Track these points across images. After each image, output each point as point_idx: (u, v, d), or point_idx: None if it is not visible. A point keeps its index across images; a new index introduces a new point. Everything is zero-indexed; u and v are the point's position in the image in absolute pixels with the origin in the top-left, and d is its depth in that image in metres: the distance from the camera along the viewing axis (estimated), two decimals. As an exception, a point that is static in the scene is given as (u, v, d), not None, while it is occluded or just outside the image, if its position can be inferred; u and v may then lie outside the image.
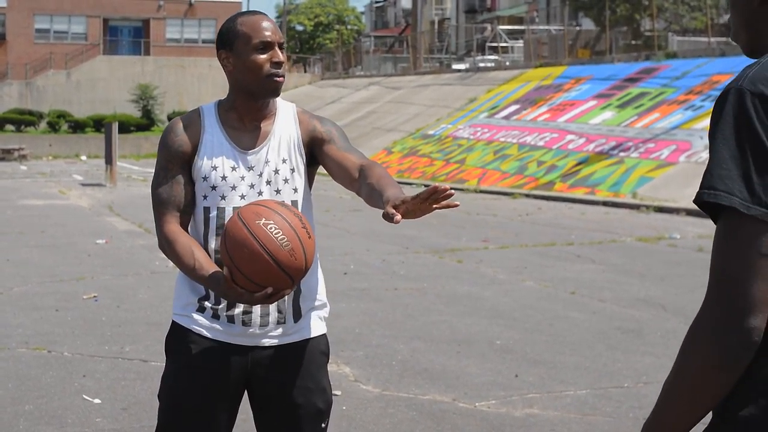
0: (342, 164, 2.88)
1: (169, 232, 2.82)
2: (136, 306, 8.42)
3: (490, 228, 14.62)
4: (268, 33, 2.81)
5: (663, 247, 12.54)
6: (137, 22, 55.67)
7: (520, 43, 41.53)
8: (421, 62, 44.95)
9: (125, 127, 42.40)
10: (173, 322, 2.95)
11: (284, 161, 2.89)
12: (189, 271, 2.75)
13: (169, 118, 45.36)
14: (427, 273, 10.36)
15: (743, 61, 22.32)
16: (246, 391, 2.95)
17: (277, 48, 2.82)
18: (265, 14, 2.88)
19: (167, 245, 2.82)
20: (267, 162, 2.87)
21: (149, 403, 5.53)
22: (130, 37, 55.82)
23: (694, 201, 1.64)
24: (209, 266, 2.71)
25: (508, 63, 37.66)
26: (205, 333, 2.87)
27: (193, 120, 2.91)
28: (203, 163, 2.85)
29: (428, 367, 6.48)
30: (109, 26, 55.22)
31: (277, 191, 2.87)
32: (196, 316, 2.88)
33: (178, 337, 2.91)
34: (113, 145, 23.52)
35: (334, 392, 5.90)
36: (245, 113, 2.89)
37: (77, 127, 44.11)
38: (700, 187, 1.63)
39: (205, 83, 50.92)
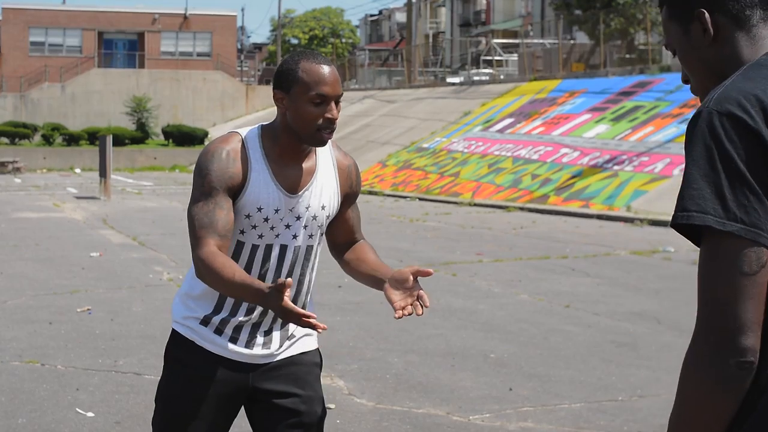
0: (345, 228, 3.05)
1: (209, 252, 2.68)
2: (129, 319, 8.39)
3: (484, 241, 14.62)
4: (327, 88, 2.73)
5: (657, 260, 12.55)
6: (132, 35, 55.70)
7: (514, 57, 41.62)
8: (416, 76, 45.04)
9: (120, 140, 42.40)
10: (174, 330, 2.94)
11: (323, 208, 2.90)
12: (229, 283, 2.61)
13: (164, 131, 45.39)
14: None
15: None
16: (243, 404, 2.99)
17: (333, 103, 2.76)
18: (329, 63, 2.79)
19: (205, 262, 2.67)
20: (308, 207, 2.87)
21: (143, 417, 5.51)
22: (125, 50, 55.84)
23: (671, 225, 1.65)
24: (252, 279, 2.62)
25: (502, 76, 37.75)
26: (207, 346, 2.87)
27: (238, 152, 2.81)
28: (249, 201, 2.79)
29: (422, 381, 6.47)
30: (104, 39, 55.23)
31: (311, 236, 2.90)
32: (199, 328, 2.88)
33: (179, 346, 2.91)
34: (107, 158, 23.51)
35: (328, 405, 5.92)
36: (289, 152, 2.85)
37: (72, 139, 44.06)
38: (675, 210, 1.63)
39: (200, 96, 50.94)
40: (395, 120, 34.60)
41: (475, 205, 21.67)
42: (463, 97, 34.12)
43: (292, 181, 2.84)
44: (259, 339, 2.88)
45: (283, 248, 2.85)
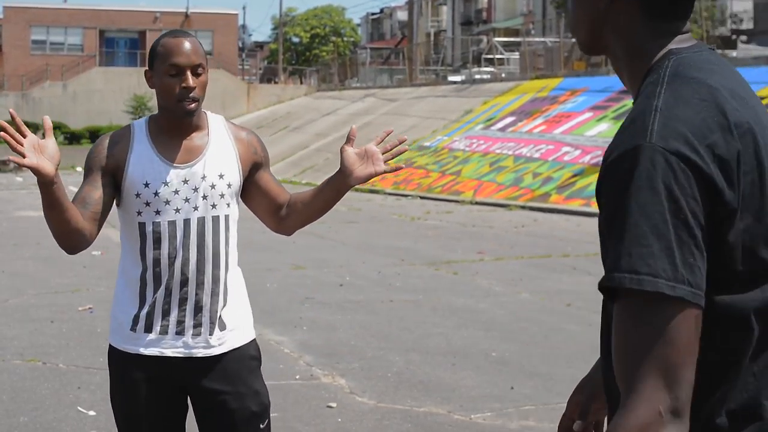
0: (270, 195, 3.04)
1: None
2: (131, 318, 8.40)
3: (485, 240, 14.62)
4: (179, 58, 2.82)
5: (659, 259, 12.53)
6: (133, 33, 55.75)
7: (515, 55, 41.59)
8: (417, 74, 45.03)
9: (121, 139, 42.36)
10: (109, 344, 3.02)
11: (221, 176, 2.94)
12: (43, 205, 2.69)
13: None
14: (423, 285, 10.35)
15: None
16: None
17: (188, 72, 2.82)
18: (188, 35, 2.89)
19: None
20: (204, 177, 2.91)
21: (144, 416, 5.51)
22: (126, 48, 55.90)
23: (605, 285, 1.43)
24: None
25: (503, 75, 37.73)
26: (140, 350, 2.93)
27: (122, 136, 2.93)
28: (133, 180, 2.87)
29: (424, 379, 6.47)
30: (105, 38, 55.31)
31: (213, 206, 2.92)
32: (130, 335, 2.94)
33: (115, 357, 3.00)
34: (109, 157, 23.48)
35: (329, 404, 5.94)
36: (173, 128, 2.92)
37: (73, 138, 44.14)
38: (616, 269, 1.41)
39: (201, 95, 50.92)
40: (397, 118, 34.59)
41: (477, 203, 21.67)
42: (464, 96, 34.12)
43: (180, 154, 2.91)
44: (188, 321, 2.91)
45: (187, 222, 2.89)
